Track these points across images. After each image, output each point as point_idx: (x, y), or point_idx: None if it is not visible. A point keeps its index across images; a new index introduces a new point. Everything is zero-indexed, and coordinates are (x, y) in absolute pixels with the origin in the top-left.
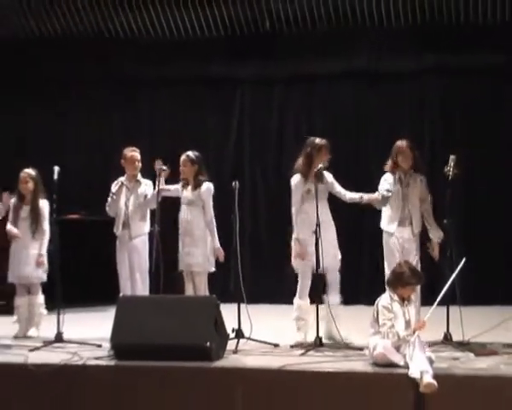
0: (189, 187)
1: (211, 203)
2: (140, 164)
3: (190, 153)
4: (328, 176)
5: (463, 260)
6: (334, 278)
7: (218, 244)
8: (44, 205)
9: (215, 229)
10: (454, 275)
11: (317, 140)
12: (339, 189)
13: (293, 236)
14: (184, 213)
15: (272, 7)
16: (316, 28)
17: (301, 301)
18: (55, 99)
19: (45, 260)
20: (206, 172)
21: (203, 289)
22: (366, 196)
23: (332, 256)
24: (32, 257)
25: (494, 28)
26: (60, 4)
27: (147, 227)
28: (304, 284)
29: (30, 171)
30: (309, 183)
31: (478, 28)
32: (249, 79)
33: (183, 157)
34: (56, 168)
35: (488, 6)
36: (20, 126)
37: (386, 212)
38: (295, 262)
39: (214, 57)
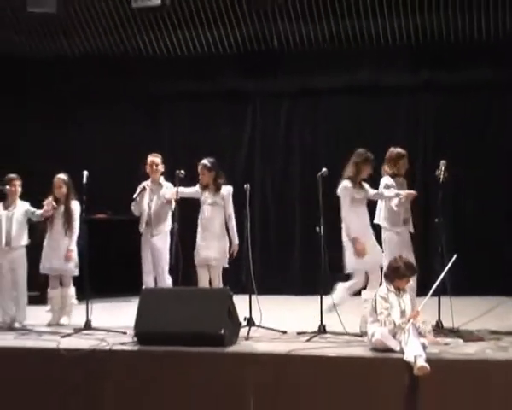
0: (210, 190)
1: (231, 203)
2: (160, 168)
3: (206, 161)
4: (365, 185)
5: (454, 256)
6: (377, 276)
7: (237, 240)
8: (75, 206)
9: (235, 226)
10: (446, 269)
11: (368, 153)
12: (374, 192)
13: (351, 236)
14: (207, 213)
15: (280, 27)
16: (320, 47)
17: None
18: (86, 113)
19: (74, 254)
20: (223, 175)
21: (217, 282)
22: (404, 193)
23: (377, 254)
24: (64, 252)
25: (482, 47)
26: (89, 25)
27: (168, 225)
28: (359, 281)
29: (63, 176)
30: (356, 189)
31: (467, 48)
32: (259, 93)
33: (200, 166)
34: (85, 173)
35: (475, 26)
36: (57, 137)
37: (390, 211)
38: (354, 261)
39: (228, 73)
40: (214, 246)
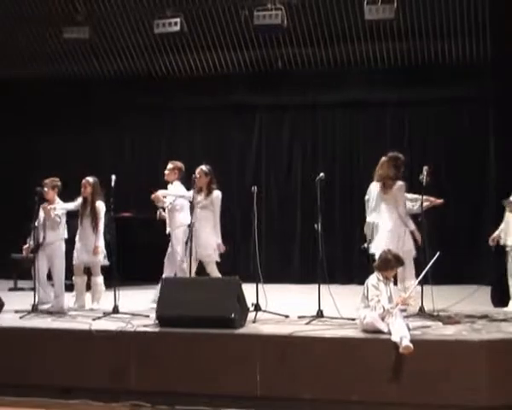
0: (203, 194)
1: (219, 207)
2: (169, 171)
3: (204, 166)
4: None
5: (437, 253)
6: (408, 264)
7: (220, 240)
8: (100, 206)
9: (219, 228)
10: (430, 264)
11: (402, 156)
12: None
13: (412, 227)
14: (198, 215)
15: (283, 51)
16: (318, 68)
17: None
18: (115, 125)
19: (101, 249)
20: (216, 182)
21: (215, 275)
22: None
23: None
24: (92, 246)
25: (459, 68)
26: (117, 49)
27: (182, 221)
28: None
29: (89, 178)
30: None
31: (446, 69)
32: (265, 107)
33: (198, 170)
34: (113, 177)
35: (452, 50)
36: (89, 147)
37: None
38: (414, 249)
39: (238, 90)
40: (207, 245)
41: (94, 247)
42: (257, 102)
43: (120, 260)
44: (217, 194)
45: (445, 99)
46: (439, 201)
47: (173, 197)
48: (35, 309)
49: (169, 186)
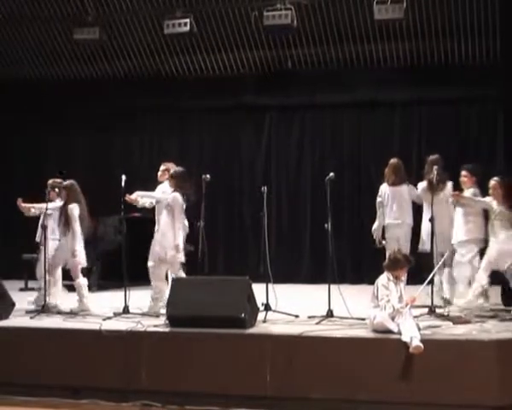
0: (169, 195)
1: (178, 209)
2: (161, 172)
3: (172, 169)
4: None
5: (446, 253)
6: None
7: (178, 241)
8: (74, 209)
9: (180, 230)
10: (439, 264)
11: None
12: None
13: None
14: (164, 216)
15: (293, 52)
16: (327, 68)
17: None
18: (125, 126)
19: (78, 252)
20: (184, 185)
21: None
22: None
23: None
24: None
25: (466, 69)
26: (127, 50)
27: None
28: None
29: (65, 182)
30: None
31: (453, 69)
32: (275, 107)
33: (171, 171)
34: (124, 178)
35: (462, 50)
36: (98, 147)
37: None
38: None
39: (248, 90)
40: (166, 245)
41: (72, 250)
42: (266, 103)
43: (131, 260)
44: (173, 196)
45: (454, 99)
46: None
47: (149, 198)
48: (45, 309)
49: (158, 187)
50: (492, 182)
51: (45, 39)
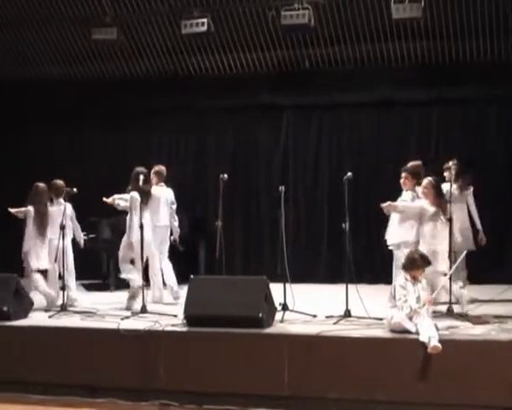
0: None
1: (133, 208)
2: (152, 175)
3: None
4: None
5: (464, 252)
6: None
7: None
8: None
9: (135, 228)
10: (457, 263)
11: None
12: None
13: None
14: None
15: (310, 51)
16: (344, 67)
17: None
18: (142, 125)
19: None
20: (135, 185)
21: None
22: None
23: None
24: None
25: (485, 67)
26: (145, 50)
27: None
28: None
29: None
30: None
31: (471, 67)
32: (293, 107)
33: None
34: (141, 176)
35: (481, 49)
36: (115, 147)
37: None
38: None
39: (265, 90)
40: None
41: None
42: (284, 102)
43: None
44: (128, 196)
45: (472, 98)
46: None
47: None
48: (64, 308)
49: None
50: (425, 181)
51: (63, 39)
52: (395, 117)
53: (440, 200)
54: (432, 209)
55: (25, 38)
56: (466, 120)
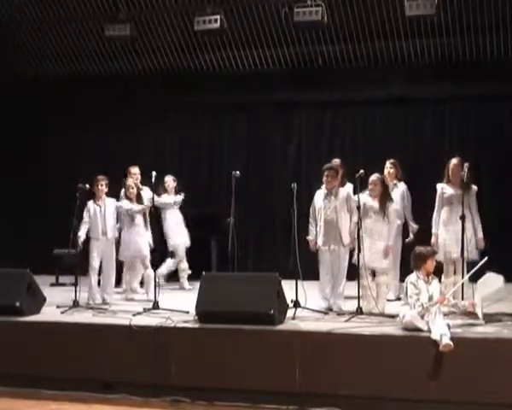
0: None
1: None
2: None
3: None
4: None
5: (485, 258)
6: None
7: None
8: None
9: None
10: (476, 268)
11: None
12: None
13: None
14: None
15: (324, 48)
16: (358, 65)
17: None
18: (155, 122)
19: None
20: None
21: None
22: None
23: None
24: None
25: (498, 65)
26: (158, 46)
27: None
28: None
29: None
30: None
31: (485, 64)
32: (306, 104)
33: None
34: (154, 174)
35: (494, 46)
36: (130, 143)
37: None
38: None
39: (279, 87)
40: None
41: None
42: (297, 99)
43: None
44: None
45: (486, 95)
46: None
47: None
48: (76, 304)
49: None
50: (373, 178)
51: (77, 36)
52: (409, 114)
53: (386, 197)
54: (372, 204)
55: (39, 37)
56: (480, 117)
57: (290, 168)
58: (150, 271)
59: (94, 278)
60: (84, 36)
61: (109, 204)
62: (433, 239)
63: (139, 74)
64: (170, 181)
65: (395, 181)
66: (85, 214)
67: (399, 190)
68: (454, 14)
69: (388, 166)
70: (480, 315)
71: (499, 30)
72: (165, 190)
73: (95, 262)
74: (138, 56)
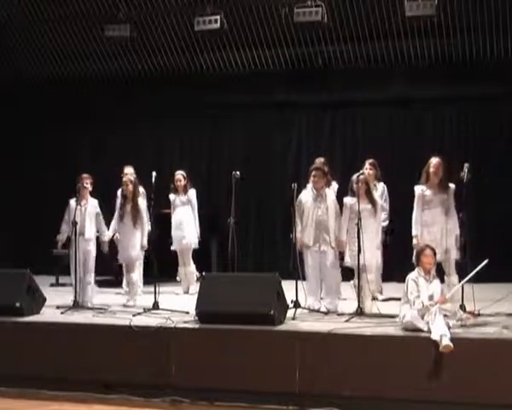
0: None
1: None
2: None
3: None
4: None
5: (486, 260)
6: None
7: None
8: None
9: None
10: (476, 270)
11: None
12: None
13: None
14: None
15: (324, 49)
16: (358, 65)
17: None
18: (155, 122)
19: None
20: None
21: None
22: None
23: None
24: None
25: (499, 64)
26: (158, 47)
27: None
28: None
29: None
30: None
31: (488, 65)
32: (306, 104)
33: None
34: (154, 174)
35: (496, 46)
36: (130, 143)
37: None
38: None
39: (278, 88)
40: None
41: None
42: (297, 100)
43: (161, 257)
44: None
45: (486, 96)
46: None
47: None
48: (76, 305)
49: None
50: (361, 177)
51: (77, 36)
52: (409, 115)
53: (371, 196)
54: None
55: (39, 37)
56: (481, 117)
57: (290, 168)
58: (134, 274)
59: (75, 278)
60: (84, 36)
61: (91, 204)
62: (414, 241)
63: (139, 74)
64: (180, 179)
65: (375, 182)
66: (66, 213)
67: (379, 191)
68: (454, 14)
69: (368, 168)
70: (451, 309)
71: (499, 30)
72: (176, 190)
73: (73, 263)
74: (138, 56)
